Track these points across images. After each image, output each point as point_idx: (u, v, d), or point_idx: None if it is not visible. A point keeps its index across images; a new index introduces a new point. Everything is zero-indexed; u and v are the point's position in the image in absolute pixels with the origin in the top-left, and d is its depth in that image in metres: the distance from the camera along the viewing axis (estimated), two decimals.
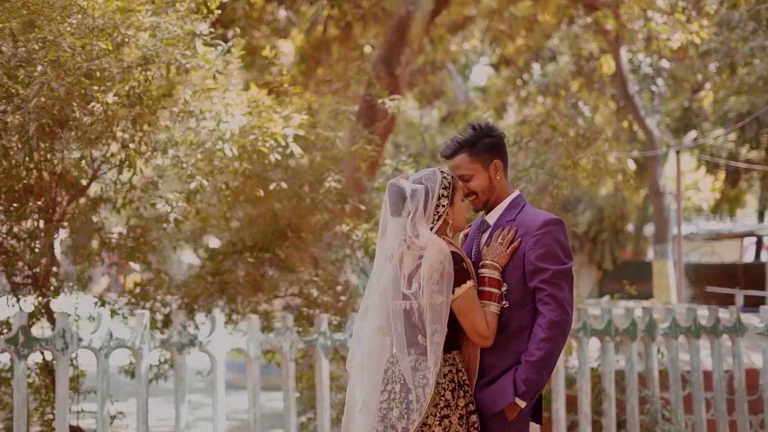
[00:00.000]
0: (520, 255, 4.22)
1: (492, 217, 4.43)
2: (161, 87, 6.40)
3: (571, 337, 7.56)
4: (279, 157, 6.81)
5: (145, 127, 6.35)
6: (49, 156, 6.21)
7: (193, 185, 6.59)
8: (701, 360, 8.19)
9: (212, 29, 6.58)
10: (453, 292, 4.07)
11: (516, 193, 4.48)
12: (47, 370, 7.32)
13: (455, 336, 4.20)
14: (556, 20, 17.75)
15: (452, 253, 4.09)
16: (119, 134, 6.41)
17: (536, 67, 19.87)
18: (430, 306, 4.02)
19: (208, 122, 6.64)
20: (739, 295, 21.83)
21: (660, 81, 20.33)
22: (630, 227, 31.90)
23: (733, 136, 24.80)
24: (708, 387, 8.37)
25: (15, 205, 6.37)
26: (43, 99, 5.47)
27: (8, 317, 7.00)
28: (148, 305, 7.80)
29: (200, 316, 8.07)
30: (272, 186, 7.09)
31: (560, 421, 7.40)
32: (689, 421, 8.21)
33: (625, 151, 20.16)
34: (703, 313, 9.32)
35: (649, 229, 32.21)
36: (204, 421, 10.92)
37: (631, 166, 17.70)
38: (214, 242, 10.90)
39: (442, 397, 4.07)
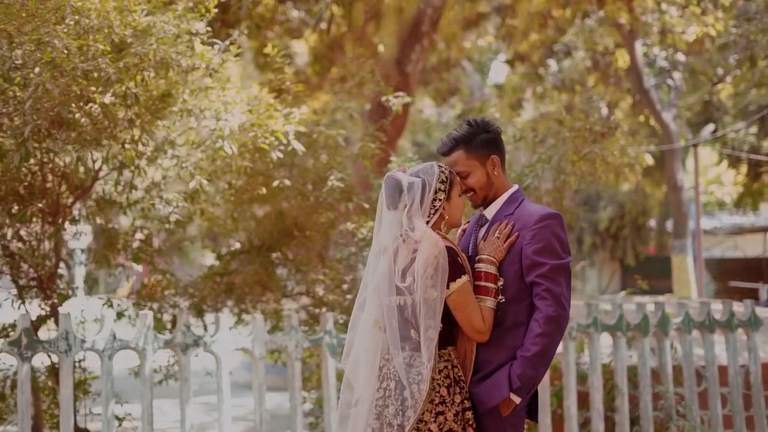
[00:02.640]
0: (517, 249, 4.17)
1: (490, 212, 4.38)
2: (160, 87, 6.37)
3: (582, 333, 7.50)
4: (281, 155, 6.77)
5: (145, 126, 6.32)
6: (51, 157, 6.19)
7: (192, 184, 6.56)
8: (716, 355, 8.10)
9: (213, 29, 6.55)
10: (448, 287, 4.02)
11: (515, 187, 4.42)
12: (55, 372, 7.31)
13: (451, 331, 4.15)
14: (571, 15, 17.64)
15: (447, 247, 4.04)
16: (118, 135, 6.39)
17: (552, 62, 19.75)
18: (424, 301, 3.98)
19: (209, 121, 6.61)
20: (763, 290, 21.63)
21: (676, 74, 20.17)
22: (652, 222, 31.68)
23: (754, 129, 24.56)
24: (723, 382, 8.28)
25: (17, 207, 6.36)
26: (40, 101, 5.45)
27: (15, 320, 7.01)
28: (156, 306, 7.79)
29: (210, 317, 8.05)
30: (275, 183, 7.06)
31: (572, 418, 7.32)
32: (705, 416, 8.11)
33: (643, 145, 19.97)
34: (717, 307, 9.21)
35: (671, 225, 31.99)
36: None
37: (649, 161, 17.60)
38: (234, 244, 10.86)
39: (437, 394, 4.02)
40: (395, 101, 7.84)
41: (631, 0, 14.95)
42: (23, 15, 5.80)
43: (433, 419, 4.00)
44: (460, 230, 4.60)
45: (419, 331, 4.00)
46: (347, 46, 17.88)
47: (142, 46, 5.81)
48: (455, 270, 4.04)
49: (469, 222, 4.56)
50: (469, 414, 4.09)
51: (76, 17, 5.66)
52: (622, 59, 17.55)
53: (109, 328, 6.21)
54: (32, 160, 6.04)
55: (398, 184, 4.13)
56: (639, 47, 17.20)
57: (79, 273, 8.94)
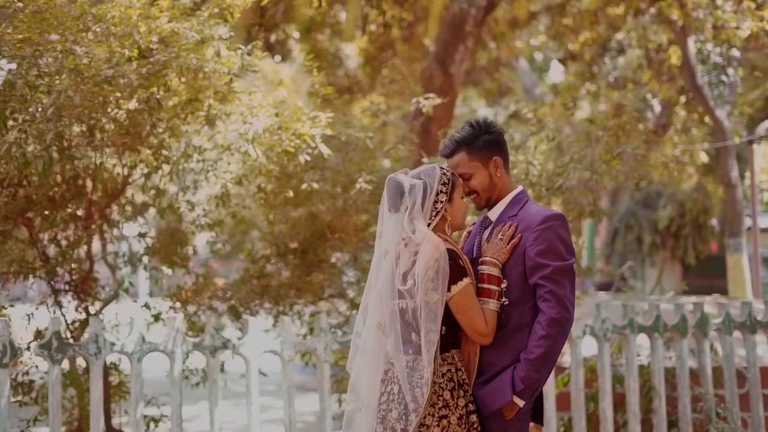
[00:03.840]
0: (520, 251, 4.13)
1: (494, 214, 4.35)
2: (186, 92, 6.42)
3: (618, 334, 7.43)
4: (308, 157, 6.79)
5: (174, 130, 6.40)
6: (79, 163, 6.29)
7: (217, 188, 6.63)
8: (759, 356, 7.96)
9: (251, 33, 6.60)
10: (449, 290, 3.99)
11: (519, 188, 4.39)
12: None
13: (455, 334, 4.12)
14: (624, 12, 17.46)
15: (448, 250, 4.01)
16: (150, 139, 6.46)
17: (606, 60, 19.51)
18: (425, 304, 3.95)
19: (236, 125, 6.67)
20: None
21: (731, 71, 19.78)
22: (714, 221, 31.12)
23: None
24: (766, 384, 8.12)
25: (47, 212, 6.48)
26: (63, 108, 5.55)
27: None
28: (192, 309, 7.87)
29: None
30: (304, 186, 7.10)
31: (607, 420, 7.25)
32: (747, 418, 7.97)
33: (700, 143, 19.71)
34: (759, 306, 9.05)
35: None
36: (270, 423, 10.93)
37: (704, 158, 17.34)
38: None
39: (440, 397, 3.99)
40: (425, 103, 7.84)
41: None
42: (54, 23, 5.91)
43: (436, 423, 3.98)
44: (465, 232, 4.58)
45: (420, 335, 3.99)
46: (398, 48, 17.92)
47: (162, 53, 5.87)
48: (456, 273, 4.01)
49: (474, 224, 4.53)
50: (473, 417, 4.06)
51: (102, 25, 5.74)
52: (676, 56, 17.30)
53: (138, 331, 6.30)
54: (67, 166, 6.13)
55: (400, 186, 4.12)
56: (692, 44, 16.93)
57: (142, 276, 9.06)
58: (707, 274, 29.49)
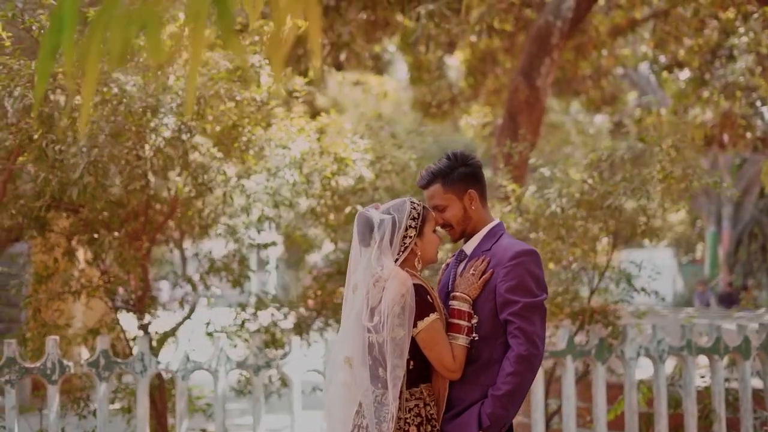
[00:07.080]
0: (491, 286, 4.12)
1: (469, 247, 4.35)
2: (230, 118, 6.60)
3: (676, 355, 7.30)
4: (352, 180, 6.92)
5: (205, 157, 6.60)
6: (115, 189, 6.55)
7: (255, 212, 6.80)
8: None
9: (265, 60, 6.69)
10: (416, 326, 4.01)
11: (495, 222, 4.37)
12: (158, 387, 7.66)
13: (424, 369, 4.14)
14: (734, 16, 16.97)
15: (416, 285, 4.03)
16: (197, 160, 6.69)
17: (717, 66, 18.93)
18: (391, 340, 3.97)
19: (277, 150, 6.83)
20: None
21: None
22: None
23: None
24: None
25: (95, 235, 6.76)
26: (95, 138, 5.83)
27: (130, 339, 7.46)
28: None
29: (314, 335, 8.25)
30: (347, 209, 7.23)
31: None
32: None
33: None
34: None
35: None
36: None
37: None
38: None
39: None
40: (473, 122, 7.86)
41: None
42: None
43: None
44: (444, 264, 4.59)
45: (387, 370, 4.02)
46: (500, 58, 17.84)
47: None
48: (423, 308, 4.02)
49: (453, 256, 4.54)
50: None
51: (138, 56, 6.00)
52: None
53: (183, 350, 6.53)
54: (98, 191, 6.38)
55: (369, 222, 4.14)
56: None
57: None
58: None
